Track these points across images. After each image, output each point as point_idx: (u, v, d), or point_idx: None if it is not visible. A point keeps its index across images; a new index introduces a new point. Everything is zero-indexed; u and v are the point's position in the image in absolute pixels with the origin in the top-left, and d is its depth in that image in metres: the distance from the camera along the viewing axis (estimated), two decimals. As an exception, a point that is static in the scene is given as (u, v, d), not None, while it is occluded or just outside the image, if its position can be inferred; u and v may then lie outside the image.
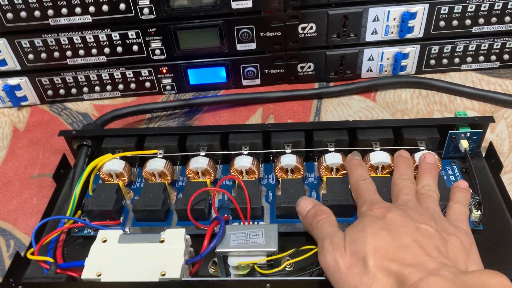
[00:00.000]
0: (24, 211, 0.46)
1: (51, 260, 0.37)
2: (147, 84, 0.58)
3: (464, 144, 0.45)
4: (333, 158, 0.43)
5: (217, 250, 0.36)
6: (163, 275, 0.35)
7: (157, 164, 0.44)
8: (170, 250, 0.36)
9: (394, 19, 0.54)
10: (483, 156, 0.46)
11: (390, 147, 0.44)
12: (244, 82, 0.59)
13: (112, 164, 0.44)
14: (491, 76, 0.58)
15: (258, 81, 0.59)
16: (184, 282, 0.34)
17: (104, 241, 0.37)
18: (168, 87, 0.59)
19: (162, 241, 0.37)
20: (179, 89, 0.59)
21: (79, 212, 0.42)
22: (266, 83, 0.59)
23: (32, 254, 0.38)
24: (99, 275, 0.35)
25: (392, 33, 0.55)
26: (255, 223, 0.41)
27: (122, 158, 0.44)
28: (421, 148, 0.44)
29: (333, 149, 0.44)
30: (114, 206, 0.41)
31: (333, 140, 0.45)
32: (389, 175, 0.43)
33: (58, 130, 0.54)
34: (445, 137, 0.45)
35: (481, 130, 0.45)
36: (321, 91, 0.57)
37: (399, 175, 0.38)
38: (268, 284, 0.33)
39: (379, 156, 0.43)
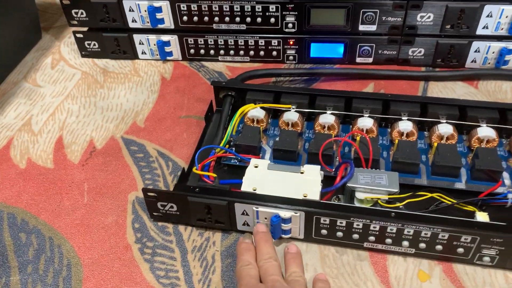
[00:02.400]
0: (177, 142, 0.57)
1: (215, 175, 0.48)
2: (274, 53, 0.68)
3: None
4: (444, 128, 0.51)
5: (348, 184, 0.45)
6: (305, 196, 0.44)
7: (292, 115, 0.53)
8: (309, 179, 0.45)
9: (507, 16, 0.59)
10: None
11: (495, 125, 0.51)
12: (358, 60, 0.67)
13: (256, 111, 0.54)
14: None
15: (370, 60, 0.66)
16: (327, 204, 0.43)
17: (256, 167, 0.47)
18: (291, 57, 0.68)
19: (302, 172, 0.46)
20: (299, 60, 0.68)
21: (227, 146, 0.52)
22: (377, 63, 0.67)
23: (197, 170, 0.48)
24: (255, 189, 0.45)
25: (502, 29, 0.61)
26: (375, 171, 0.49)
27: (262, 107, 0.54)
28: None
29: (444, 121, 0.51)
30: (257, 143, 0.51)
31: (444, 113, 0.52)
32: (493, 147, 0.49)
33: (198, 82, 0.66)
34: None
35: None
36: (429, 74, 0.64)
37: (261, 256, 0.41)
38: (393, 213, 0.41)
39: (486, 131, 0.50)
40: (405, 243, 0.42)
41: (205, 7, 0.64)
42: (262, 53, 0.68)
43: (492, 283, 0.41)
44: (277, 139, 0.52)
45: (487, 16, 0.59)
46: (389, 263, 0.43)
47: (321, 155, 0.48)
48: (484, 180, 0.47)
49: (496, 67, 0.65)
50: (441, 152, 0.49)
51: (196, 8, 0.64)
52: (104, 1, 0.65)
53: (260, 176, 0.46)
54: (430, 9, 0.60)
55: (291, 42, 0.66)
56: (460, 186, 0.48)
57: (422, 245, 0.42)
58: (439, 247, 0.42)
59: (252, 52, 0.68)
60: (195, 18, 0.65)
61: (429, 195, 0.44)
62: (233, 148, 0.52)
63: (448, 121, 0.51)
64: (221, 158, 0.52)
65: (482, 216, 0.43)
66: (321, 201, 0.43)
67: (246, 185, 0.45)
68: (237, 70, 0.68)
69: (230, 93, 0.56)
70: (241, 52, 0.68)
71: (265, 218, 0.44)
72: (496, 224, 0.41)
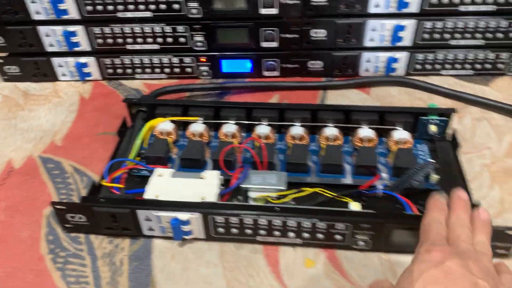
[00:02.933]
0: (94, 158, 0.61)
1: (121, 186, 0.52)
2: (188, 69, 0.73)
3: (433, 128, 0.58)
4: (330, 131, 0.57)
5: (242, 185, 0.50)
6: (203, 199, 0.49)
7: (198, 127, 0.58)
8: (208, 184, 0.51)
9: (388, 30, 0.68)
10: (450, 140, 0.60)
11: (375, 126, 0.58)
12: (265, 73, 0.73)
13: (164, 124, 0.58)
14: (465, 81, 0.71)
15: (277, 73, 0.73)
16: (220, 204, 0.48)
17: (160, 175, 0.52)
18: (205, 73, 0.73)
19: (203, 178, 0.51)
20: (213, 75, 0.73)
21: (138, 158, 0.57)
22: (283, 75, 0.73)
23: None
24: (157, 196, 0.49)
25: (386, 41, 0.69)
26: (269, 173, 0.55)
27: (171, 120, 0.59)
28: (398, 128, 0.58)
29: (332, 125, 0.58)
30: (165, 154, 0.56)
31: (332, 118, 0.59)
32: (372, 146, 0.56)
33: (116, 100, 0.70)
34: (417, 121, 0.58)
35: (447, 119, 0.58)
36: (326, 83, 0.71)
37: (456, 219, 0.37)
38: (277, 208, 0.47)
39: (365, 132, 0.57)
40: (291, 234, 0.48)
41: (117, 30, 0.68)
42: (177, 70, 0.73)
43: (367, 265, 0.48)
44: (181, 151, 0.57)
45: (372, 29, 0.67)
46: (280, 254, 0.49)
47: (222, 161, 0.53)
48: (365, 175, 0.54)
49: (386, 74, 0.73)
50: (328, 152, 0.55)
51: (109, 31, 0.69)
52: (20, 28, 0.68)
53: (163, 183, 0.51)
54: (322, 26, 0.67)
55: (203, 59, 0.72)
56: (346, 181, 0.54)
57: (306, 235, 0.48)
58: (320, 235, 0.48)
59: (167, 70, 0.73)
60: (109, 40, 0.69)
61: (311, 190, 0.50)
62: (144, 160, 0.56)
63: (336, 124, 0.58)
64: (132, 170, 0.56)
65: (354, 206, 0.49)
66: (214, 202, 0.48)
67: (149, 193, 0.50)
68: (154, 87, 0.72)
69: (142, 108, 0.60)
70: (157, 70, 0.73)
71: (167, 222, 0.48)
72: (365, 212, 0.47)
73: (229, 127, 0.58)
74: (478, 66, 0.71)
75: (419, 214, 0.48)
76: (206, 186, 0.50)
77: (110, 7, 0.66)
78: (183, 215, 0.47)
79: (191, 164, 0.55)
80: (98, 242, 0.50)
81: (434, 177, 0.53)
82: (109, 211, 0.48)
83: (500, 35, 0.67)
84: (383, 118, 0.58)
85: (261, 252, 0.49)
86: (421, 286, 0.30)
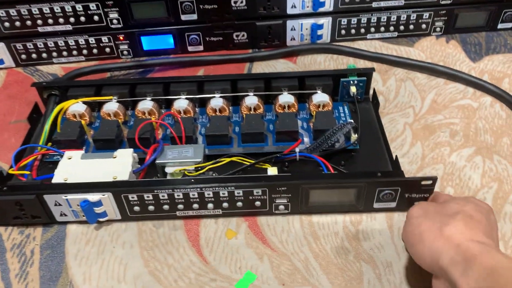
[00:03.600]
0: (5, 147, 0.57)
1: (28, 172, 0.48)
2: (107, 49, 0.69)
3: (353, 89, 0.58)
4: (250, 100, 0.56)
5: (157, 161, 0.48)
6: (115, 178, 0.46)
7: (112, 106, 0.55)
8: (120, 162, 0.48)
9: None
10: (370, 100, 0.60)
11: (296, 91, 0.57)
12: (190, 48, 0.70)
13: (75, 106, 0.55)
14: (390, 44, 0.71)
15: (201, 48, 0.70)
16: (130, 182, 0.46)
17: (69, 158, 0.49)
18: (125, 52, 0.70)
19: (115, 157, 0.48)
20: (134, 54, 0.70)
21: (50, 143, 0.53)
22: (208, 49, 0.70)
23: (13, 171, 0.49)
24: (66, 180, 0.46)
25: (307, 7, 0.67)
26: (188, 147, 0.52)
27: (83, 102, 0.55)
28: (318, 91, 0.57)
29: (252, 94, 0.57)
30: (78, 137, 0.52)
31: (252, 87, 0.57)
32: (293, 111, 0.55)
33: (31, 87, 0.65)
34: (339, 84, 0.58)
35: (365, 78, 0.58)
36: (252, 55, 0.69)
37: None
38: (192, 180, 0.45)
39: (286, 97, 0.56)
40: (210, 205, 0.46)
41: (24, 11, 0.64)
42: (95, 51, 0.69)
43: (289, 229, 0.47)
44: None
45: None
46: (201, 228, 0.47)
47: (137, 138, 0.51)
48: (286, 141, 0.53)
49: (312, 42, 0.71)
50: (248, 121, 0.53)
51: (15, 13, 0.64)
52: None
53: (73, 166, 0.48)
54: None
55: (121, 38, 0.68)
56: (268, 149, 0.53)
57: (225, 205, 0.46)
58: (239, 204, 0.46)
59: (85, 51, 0.69)
60: (18, 23, 0.65)
61: (228, 160, 0.49)
62: (55, 145, 0.53)
63: (254, 93, 0.56)
64: (44, 157, 0.52)
65: (272, 171, 0.48)
66: (125, 180, 0.46)
67: (57, 177, 0.46)
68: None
69: (53, 92, 0.56)
70: (74, 52, 0.69)
71: (77, 205, 0.45)
72: (280, 175, 0.46)
73: (145, 104, 0.55)
74: (401, 27, 0.71)
75: (334, 173, 0.47)
76: (119, 165, 0.48)
77: (13, -13, 0.61)
78: (93, 196, 0.44)
79: (106, 145, 0.52)
80: (8, 234, 0.47)
81: (354, 137, 0.53)
82: (13, 198, 0.44)
83: None
84: (303, 83, 0.57)
85: (182, 228, 0.47)
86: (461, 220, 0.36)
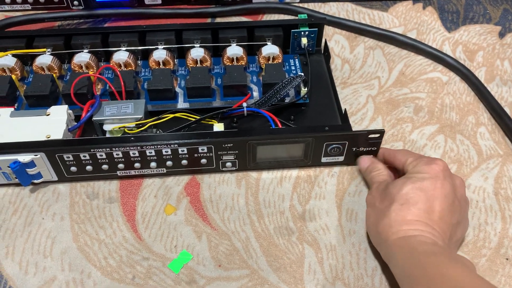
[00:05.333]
0: None
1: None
2: (56, -2, 0.58)
3: (304, 41, 0.51)
4: (196, 52, 0.48)
5: (94, 118, 0.41)
6: (48, 137, 0.39)
7: (45, 59, 0.46)
8: (55, 120, 0.41)
9: None
10: (322, 53, 0.53)
11: (245, 43, 0.50)
12: (147, 1, 0.60)
13: (4, 59, 0.46)
14: (363, 7, 0.61)
15: (159, 1, 0.60)
16: (65, 140, 0.39)
17: (-3, 117, 0.41)
18: (76, 3, 0.59)
19: (48, 114, 0.41)
20: (86, 5, 0.59)
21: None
22: (167, 3, 0.60)
23: None
24: (-8, 140, 0.39)
25: None
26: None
27: (13, 55, 0.46)
28: (268, 43, 0.50)
29: (198, 45, 0.49)
30: (8, 93, 0.44)
31: (199, 38, 0.49)
32: (242, 64, 0.49)
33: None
34: (289, 35, 0.51)
35: (317, 29, 0.51)
36: (215, 10, 0.60)
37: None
38: (132, 138, 0.39)
39: (234, 49, 0.49)
40: (153, 164, 0.40)
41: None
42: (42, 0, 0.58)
43: (233, 206, 0.40)
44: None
45: None
46: (138, 202, 0.41)
47: (73, 94, 0.43)
48: (235, 96, 0.47)
49: (280, 1, 0.62)
50: (194, 74, 0.47)
51: None
52: None
53: (1, 125, 0.40)
54: None
55: (69, -14, 0.57)
56: (216, 104, 0.46)
57: (169, 163, 0.41)
58: (184, 161, 0.41)
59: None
60: None
61: (171, 115, 0.42)
62: (-18, 102, 0.44)
63: (201, 45, 0.49)
64: None
65: (218, 127, 0.42)
66: (59, 139, 0.39)
67: (-18, 137, 0.39)
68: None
69: (-22, 44, 0.47)
70: (19, 0, 0.58)
71: (8, 167, 0.38)
72: (226, 131, 0.40)
73: (82, 57, 0.47)
74: None
75: (281, 128, 0.42)
76: (52, 123, 0.40)
77: None
78: (24, 157, 0.37)
79: (39, 102, 0.44)
80: None
81: (303, 90, 0.47)
82: None
83: None
84: (253, 34, 0.50)
85: (118, 201, 0.41)
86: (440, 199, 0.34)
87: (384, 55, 0.56)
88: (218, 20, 0.60)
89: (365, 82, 0.53)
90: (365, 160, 0.42)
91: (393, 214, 0.34)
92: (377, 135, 0.41)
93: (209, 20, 0.60)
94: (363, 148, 0.42)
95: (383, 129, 0.40)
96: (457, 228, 0.35)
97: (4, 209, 0.40)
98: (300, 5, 0.62)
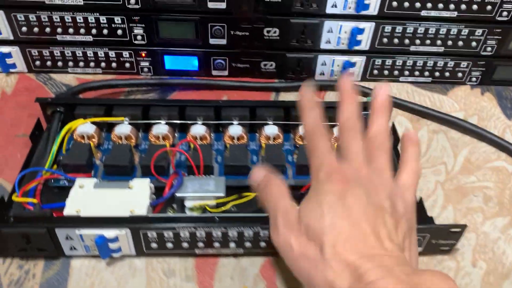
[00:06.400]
0: (9, 164, 0.47)
1: (35, 201, 0.39)
2: (127, 64, 0.59)
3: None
4: (271, 129, 0.47)
5: (177, 194, 0.39)
6: (132, 212, 0.37)
7: (124, 129, 0.46)
8: (137, 193, 0.39)
9: (345, 32, 0.55)
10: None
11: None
12: (214, 72, 0.60)
13: (84, 127, 0.45)
14: (423, 89, 0.59)
15: (226, 73, 0.60)
16: (150, 218, 0.37)
17: (81, 187, 0.39)
18: (146, 69, 0.60)
19: (131, 188, 0.39)
20: (155, 71, 0.60)
21: (55, 166, 0.43)
22: (233, 75, 0.60)
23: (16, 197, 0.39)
24: (78, 211, 0.37)
25: (342, 44, 0.57)
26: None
27: (92, 122, 0.46)
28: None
29: (271, 123, 0.48)
30: (86, 160, 0.43)
31: (272, 115, 0.48)
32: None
33: (43, 96, 0.55)
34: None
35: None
36: (278, 85, 0.59)
37: (348, 116, 0.30)
38: (217, 218, 0.37)
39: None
40: (232, 244, 0.38)
41: (45, 18, 0.53)
42: (114, 64, 0.59)
43: None
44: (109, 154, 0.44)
45: (328, 31, 0.56)
46: (215, 282, 0.38)
47: (153, 166, 0.42)
48: (307, 174, 0.44)
49: None
50: (268, 152, 0.45)
51: (35, 19, 0.53)
52: None
53: (85, 196, 0.38)
54: (275, 25, 0.55)
55: (143, 54, 0.58)
56: (289, 182, 0.45)
57: (248, 244, 0.38)
58: (263, 243, 0.38)
59: (103, 64, 0.58)
60: (36, 29, 0.54)
61: (253, 194, 0.40)
62: (61, 168, 0.43)
63: (275, 122, 0.48)
64: (49, 181, 0.42)
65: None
66: (145, 215, 0.37)
67: (69, 208, 0.37)
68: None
69: (58, 109, 0.46)
70: (92, 64, 0.58)
71: (91, 240, 0.36)
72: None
73: (160, 128, 0.46)
74: (437, 73, 0.59)
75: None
76: (135, 196, 0.39)
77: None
78: (109, 232, 0.35)
79: (117, 171, 0.43)
80: (6, 268, 0.38)
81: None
82: (21, 231, 0.35)
83: (460, 43, 0.56)
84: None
85: (194, 280, 0.38)
86: (329, 222, 0.26)
87: (448, 140, 0.54)
88: (282, 94, 0.59)
89: (432, 167, 0.50)
90: (258, 173, 0.32)
91: (333, 263, 0.25)
92: (458, 229, 0.38)
93: (273, 94, 0.59)
94: (442, 241, 0.39)
95: (465, 225, 0.38)
96: (411, 234, 0.27)
97: (81, 281, 0.37)
98: (361, 83, 0.61)
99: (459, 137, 0.54)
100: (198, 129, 0.46)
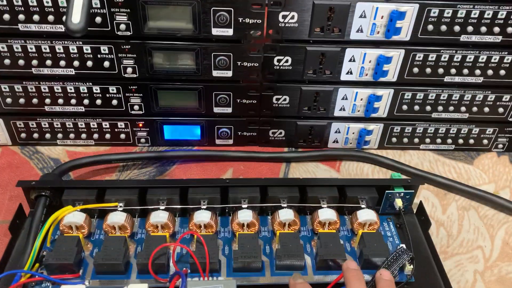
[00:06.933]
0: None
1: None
2: (122, 135, 0.53)
3: (399, 202, 0.43)
4: (285, 214, 0.40)
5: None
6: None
7: (117, 218, 0.39)
8: (130, 306, 0.31)
9: (361, 99, 0.51)
10: (414, 212, 0.45)
11: (336, 204, 0.42)
12: (218, 141, 0.54)
13: (73, 216, 0.38)
14: (446, 158, 0.54)
15: (231, 142, 0.55)
16: None
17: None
18: (143, 140, 0.54)
19: (123, 299, 0.32)
20: (153, 142, 0.54)
21: (37, 265, 0.36)
22: (239, 144, 0.55)
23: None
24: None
25: (358, 111, 0.52)
26: (214, 277, 0.36)
27: (82, 210, 0.39)
28: (362, 206, 0.42)
29: (285, 205, 0.41)
30: (74, 259, 0.36)
31: (285, 196, 0.42)
32: (334, 231, 0.40)
33: (27, 174, 0.49)
34: (382, 195, 0.43)
35: (413, 191, 0.43)
36: (289, 155, 0.53)
37: None
38: None
39: (326, 213, 0.41)
40: None
41: (32, 88, 0.48)
42: (108, 136, 0.53)
43: None
44: (96, 249, 0.37)
45: (342, 98, 0.51)
46: None
47: (150, 266, 0.35)
48: (329, 269, 0.38)
49: (357, 148, 0.56)
50: (283, 242, 0.38)
51: (21, 89, 0.48)
52: None
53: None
54: (285, 92, 0.50)
55: (140, 125, 0.53)
56: (308, 279, 0.37)
57: None
58: None
59: (96, 135, 0.53)
60: (21, 100, 0.49)
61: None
62: (44, 268, 0.35)
63: (289, 204, 0.41)
64: (29, 284, 0.35)
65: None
66: None
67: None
68: (78, 155, 0.52)
69: (43, 193, 0.39)
70: (83, 136, 0.53)
71: None
72: None
73: (159, 216, 0.39)
74: (460, 141, 0.54)
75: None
76: (128, 310, 0.31)
77: (21, 62, 0.45)
78: None
79: (110, 269, 0.36)
80: None
81: (409, 268, 0.37)
82: None
83: (486, 109, 0.51)
84: (345, 194, 0.42)
85: None
86: None
87: (481, 218, 0.47)
88: (294, 165, 0.53)
89: (467, 253, 0.43)
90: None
91: None
92: None
93: (283, 165, 0.53)
94: None
95: None
96: None
97: None
98: (379, 152, 0.55)
99: (493, 214, 0.48)
100: (202, 216, 0.39)
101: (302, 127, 0.53)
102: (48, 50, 0.46)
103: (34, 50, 0.45)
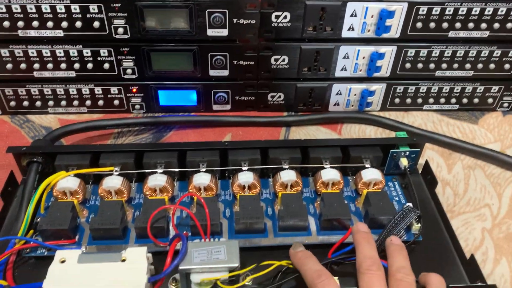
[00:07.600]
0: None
1: (5, 283, 0.30)
2: (116, 102, 0.51)
3: (404, 162, 0.41)
4: (287, 175, 0.39)
5: (181, 267, 0.30)
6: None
7: (113, 182, 0.37)
8: (132, 269, 0.30)
9: (363, 57, 0.48)
10: (420, 172, 0.43)
11: (339, 165, 0.40)
12: (215, 107, 0.52)
13: (66, 181, 0.36)
14: (451, 118, 0.52)
15: (228, 107, 0.52)
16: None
17: (63, 262, 0.30)
18: (137, 106, 0.51)
19: (124, 260, 0.30)
20: (148, 108, 0.52)
21: (31, 231, 0.34)
22: (236, 109, 0.52)
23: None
24: (55, 298, 0.28)
25: (360, 70, 0.49)
26: (215, 239, 0.35)
27: (76, 175, 0.37)
28: (367, 165, 0.40)
29: (287, 167, 0.39)
30: (69, 224, 0.34)
31: (287, 158, 0.40)
32: (338, 191, 0.38)
33: (18, 143, 0.46)
34: (387, 155, 0.41)
35: (419, 149, 0.42)
36: (289, 119, 0.51)
37: (363, 259, 0.31)
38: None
39: (329, 173, 0.39)
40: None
41: (19, 53, 0.45)
42: (101, 102, 0.50)
43: None
44: (93, 214, 0.35)
45: (344, 57, 0.48)
46: None
47: (149, 229, 0.33)
48: (333, 229, 0.36)
49: (359, 110, 0.53)
50: (285, 204, 0.36)
51: (7, 54, 0.45)
52: None
53: (68, 274, 0.29)
54: (284, 52, 0.48)
55: (134, 90, 0.50)
56: (312, 240, 0.36)
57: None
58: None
59: (88, 102, 0.50)
60: (9, 66, 0.46)
61: (276, 263, 0.31)
62: (39, 235, 0.34)
63: (291, 166, 0.39)
64: (23, 251, 0.33)
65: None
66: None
67: (44, 293, 0.28)
68: (71, 122, 0.49)
69: (35, 159, 0.37)
70: (75, 103, 0.50)
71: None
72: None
73: (157, 179, 0.37)
74: (464, 100, 0.51)
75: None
76: (130, 272, 0.30)
77: (6, 23, 0.42)
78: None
79: (107, 235, 0.34)
80: None
81: (416, 226, 0.36)
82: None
83: (492, 65, 0.49)
84: (348, 154, 0.40)
85: None
86: None
87: (487, 177, 0.45)
88: (294, 129, 0.51)
89: (474, 211, 0.42)
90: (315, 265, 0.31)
91: None
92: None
93: (283, 130, 0.51)
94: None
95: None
96: None
97: None
98: (381, 114, 0.53)
99: (499, 172, 0.46)
100: (201, 179, 0.37)
101: (302, 89, 0.50)
102: (34, 10, 0.42)
103: (19, 10, 0.42)
